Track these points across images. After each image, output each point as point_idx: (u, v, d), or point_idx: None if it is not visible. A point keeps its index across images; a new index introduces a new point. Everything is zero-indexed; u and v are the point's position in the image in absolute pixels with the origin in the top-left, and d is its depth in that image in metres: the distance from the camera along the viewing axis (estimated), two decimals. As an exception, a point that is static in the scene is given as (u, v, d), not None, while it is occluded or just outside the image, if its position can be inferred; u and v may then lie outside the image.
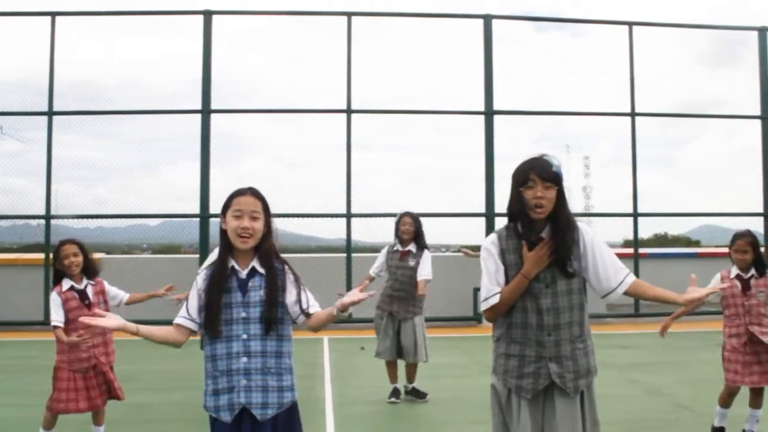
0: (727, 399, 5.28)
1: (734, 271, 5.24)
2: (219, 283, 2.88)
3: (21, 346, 10.79)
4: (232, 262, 2.92)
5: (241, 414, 2.84)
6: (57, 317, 4.85)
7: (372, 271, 6.92)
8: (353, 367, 8.81)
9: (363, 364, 8.98)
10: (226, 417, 2.84)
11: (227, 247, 2.92)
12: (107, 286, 5.12)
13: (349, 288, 12.75)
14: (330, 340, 10.86)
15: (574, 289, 3.00)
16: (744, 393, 5.29)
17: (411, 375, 6.84)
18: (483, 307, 3.08)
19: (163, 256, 16.01)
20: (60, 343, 4.91)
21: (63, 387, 4.89)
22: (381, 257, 6.92)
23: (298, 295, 2.94)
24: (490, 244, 3.06)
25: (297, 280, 2.97)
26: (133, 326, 2.81)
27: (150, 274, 12.82)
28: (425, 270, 6.65)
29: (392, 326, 6.70)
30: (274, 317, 2.87)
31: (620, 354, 9.43)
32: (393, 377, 6.81)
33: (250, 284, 2.90)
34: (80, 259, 4.93)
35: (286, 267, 2.98)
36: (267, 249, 2.93)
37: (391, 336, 6.68)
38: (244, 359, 2.84)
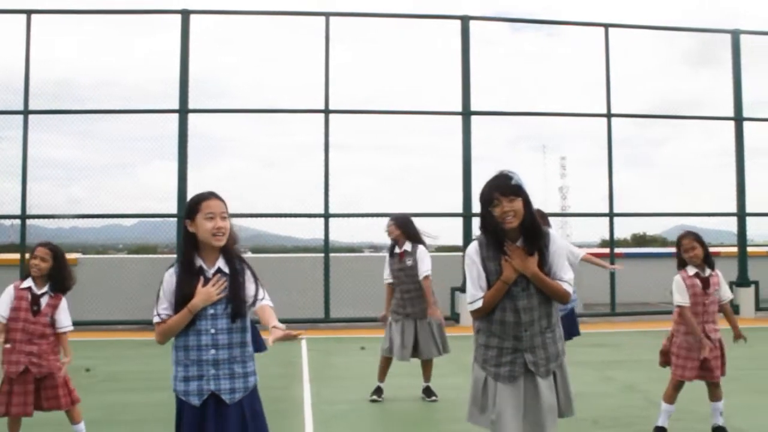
0: (672, 394, 5.36)
1: (691, 270, 5.30)
2: (189, 279, 3.13)
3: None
4: (200, 262, 3.19)
5: (208, 398, 3.13)
6: (1, 311, 4.71)
7: (387, 280, 6.84)
8: (331, 367, 8.82)
9: (341, 363, 9.01)
10: (194, 401, 3.12)
11: (194, 248, 3.19)
12: (62, 307, 4.85)
13: (327, 289, 12.77)
14: (308, 340, 10.86)
15: None
16: (702, 388, 5.39)
17: (428, 373, 6.85)
18: (469, 309, 3.46)
19: (140, 256, 15.89)
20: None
21: (4, 389, 4.74)
22: (386, 264, 6.88)
23: (255, 288, 3.23)
24: (473, 253, 3.43)
25: (254, 275, 3.27)
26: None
27: (126, 274, 12.77)
28: (423, 266, 6.63)
29: (411, 328, 6.65)
30: (238, 312, 3.16)
31: (596, 352, 9.53)
32: (383, 376, 6.81)
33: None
34: (47, 265, 4.77)
35: (245, 266, 3.26)
36: (231, 248, 3.23)
37: (411, 337, 6.64)
38: (213, 351, 3.13)
